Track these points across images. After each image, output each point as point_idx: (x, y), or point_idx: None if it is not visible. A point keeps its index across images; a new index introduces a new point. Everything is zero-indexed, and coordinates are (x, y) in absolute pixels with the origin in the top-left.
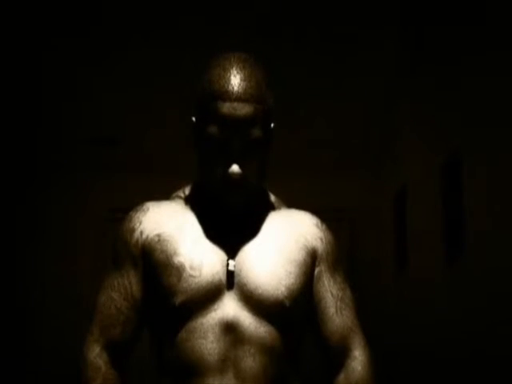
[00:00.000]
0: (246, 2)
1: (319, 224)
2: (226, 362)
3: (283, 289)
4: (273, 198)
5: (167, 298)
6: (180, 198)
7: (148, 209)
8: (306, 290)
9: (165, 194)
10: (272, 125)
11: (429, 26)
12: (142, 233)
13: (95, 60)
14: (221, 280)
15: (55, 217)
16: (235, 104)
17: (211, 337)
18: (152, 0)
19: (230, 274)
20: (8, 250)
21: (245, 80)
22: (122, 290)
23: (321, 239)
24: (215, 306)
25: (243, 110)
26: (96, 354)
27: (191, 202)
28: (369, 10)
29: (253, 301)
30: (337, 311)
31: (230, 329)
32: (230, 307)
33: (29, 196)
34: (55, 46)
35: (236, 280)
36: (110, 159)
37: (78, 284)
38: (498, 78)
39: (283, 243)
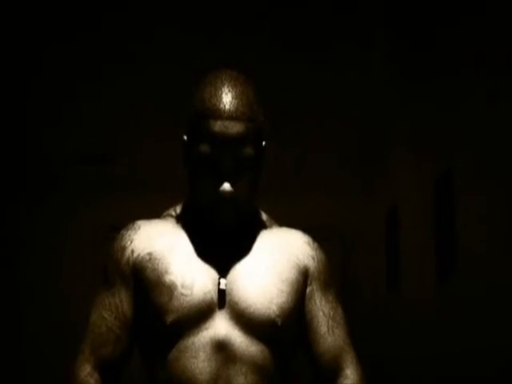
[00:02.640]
0: (237, 20)
1: (311, 242)
2: (218, 381)
3: (275, 308)
4: (264, 216)
5: (158, 317)
6: (171, 216)
7: (139, 227)
8: (297, 308)
9: (156, 213)
10: (264, 143)
11: (422, 43)
12: (133, 251)
13: (87, 79)
14: (212, 299)
15: (47, 235)
16: (227, 122)
17: (202, 356)
18: (144, 18)
19: (222, 293)
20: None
21: (236, 98)
22: (113, 308)
23: (312, 258)
24: (207, 325)
25: (235, 128)
26: (87, 373)
27: (182, 221)
28: (362, 26)
29: (244, 319)
30: (328, 330)
31: (222, 348)
32: (221, 326)
33: (21, 215)
34: (45, 63)
35: (227, 299)
36: (102, 178)
37: (70, 302)
38: (491, 95)
39: (275, 262)
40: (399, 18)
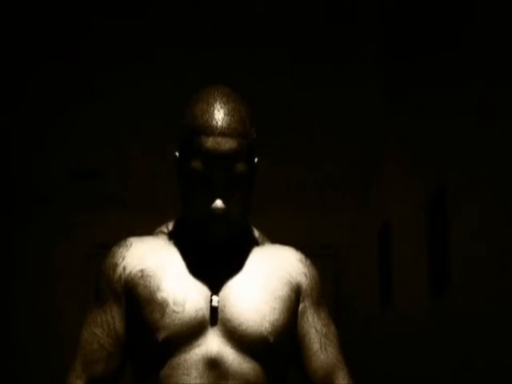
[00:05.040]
0: (228, 36)
1: (303, 259)
2: None
3: (267, 325)
4: (256, 233)
5: (150, 334)
6: (163, 233)
7: (131, 244)
8: (290, 325)
9: (148, 230)
10: (256, 159)
11: (415, 59)
12: (124, 268)
13: (77, 94)
14: (204, 316)
15: (37, 252)
16: (219, 139)
17: (195, 373)
18: (135, 33)
19: (214, 310)
20: None
21: (228, 114)
22: (104, 326)
23: (305, 275)
24: (199, 342)
25: (227, 144)
26: None
27: (175, 238)
28: (353, 41)
29: (236, 337)
30: (321, 347)
31: (214, 365)
32: (213, 343)
33: (10, 232)
34: (35, 79)
35: (220, 316)
36: (93, 195)
37: (61, 320)
38: (483, 112)
39: (267, 279)
40: (391, 33)
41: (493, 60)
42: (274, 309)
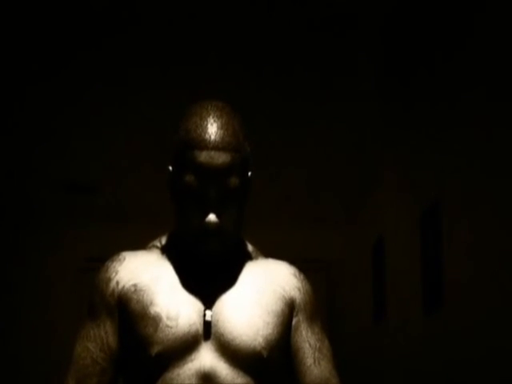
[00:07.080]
0: (222, 51)
1: (297, 274)
2: None
3: (261, 339)
4: (250, 247)
5: (143, 349)
6: (156, 247)
7: (124, 258)
8: (283, 340)
9: (141, 244)
10: (249, 173)
11: (409, 74)
12: (118, 283)
13: (69, 106)
14: (198, 330)
15: (30, 266)
16: (212, 153)
17: None
18: (129, 48)
19: (207, 325)
20: None
21: (222, 128)
22: (97, 340)
23: (299, 289)
24: (192, 357)
25: (220, 158)
26: None
27: (168, 252)
28: (348, 55)
29: (230, 351)
30: (315, 362)
31: (207, 379)
32: (206, 358)
33: (2, 245)
34: (28, 92)
35: (213, 330)
36: (86, 208)
37: (54, 334)
38: (477, 129)
39: (261, 293)
40: (385, 48)
41: (489, 74)
42: (268, 323)
